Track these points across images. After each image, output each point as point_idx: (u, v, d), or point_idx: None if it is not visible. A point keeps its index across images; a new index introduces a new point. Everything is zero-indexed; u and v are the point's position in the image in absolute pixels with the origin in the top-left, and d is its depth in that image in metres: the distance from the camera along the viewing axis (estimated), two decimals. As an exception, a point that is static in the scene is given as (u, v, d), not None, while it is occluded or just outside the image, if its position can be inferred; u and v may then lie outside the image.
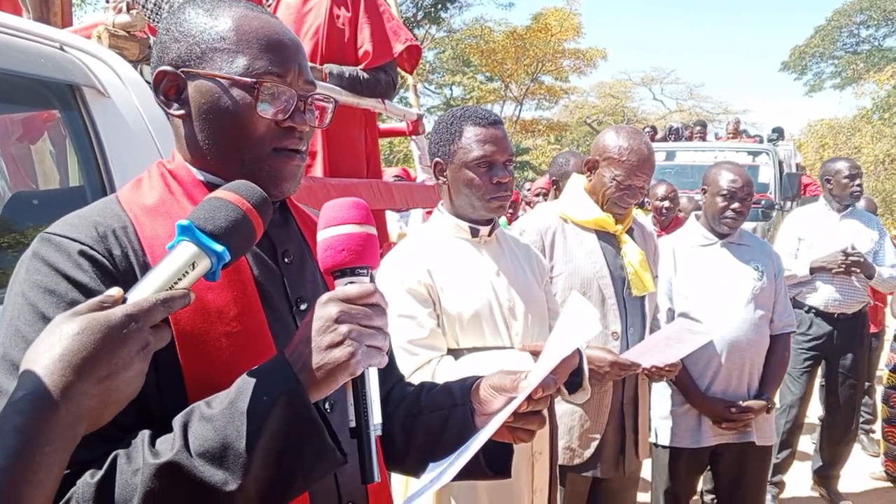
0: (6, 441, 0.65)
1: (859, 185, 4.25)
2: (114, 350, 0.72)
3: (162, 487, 0.80)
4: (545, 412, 1.11)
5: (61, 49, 1.88)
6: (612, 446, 2.46)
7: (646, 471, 3.06)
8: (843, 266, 4.03)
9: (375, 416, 0.89)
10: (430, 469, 1.10)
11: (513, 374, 1.10)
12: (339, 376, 0.85)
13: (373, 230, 0.93)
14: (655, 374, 2.37)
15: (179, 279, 0.80)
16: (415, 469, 1.20)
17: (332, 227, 0.91)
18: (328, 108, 1.09)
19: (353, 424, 0.89)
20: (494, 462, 1.16)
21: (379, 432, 0.90)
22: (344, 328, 0.84)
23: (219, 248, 0.82)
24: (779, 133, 11.24)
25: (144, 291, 0.78)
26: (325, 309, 0.86)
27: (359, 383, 0.89)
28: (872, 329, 4.98)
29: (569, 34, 25.24)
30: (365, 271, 0.91)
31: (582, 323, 1.15)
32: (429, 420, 1.17)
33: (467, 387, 1.16)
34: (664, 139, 10.80)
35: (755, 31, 78.40)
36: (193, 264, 0.81)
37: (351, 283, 0.89)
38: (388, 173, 5.94)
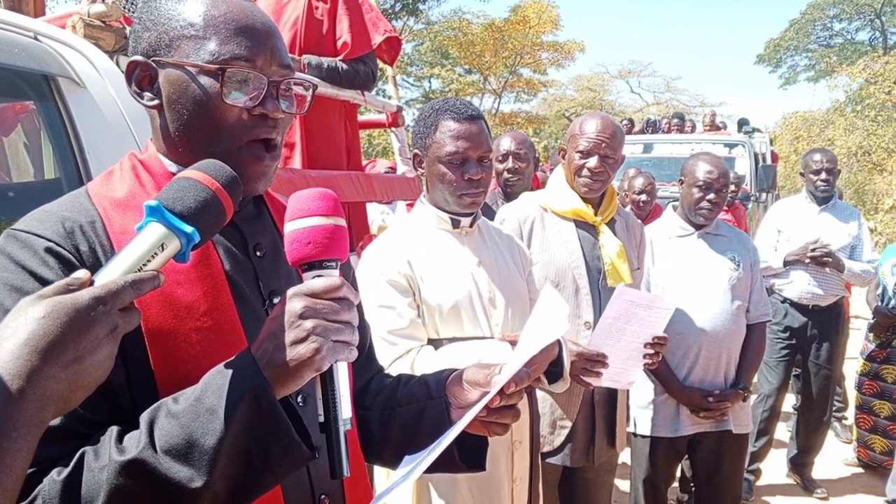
0: None
1: (824, 181, 4.24)
2: (81, 333, 0.70)
3: (128, 484, 0.80)
4: (519, 405, 1.11)
5: (35, 39, 1.85)
6: (583, 436, 2.48)
7: (626, 457, 3.10)
8: (812, 258, 4.08)
9: (345, 411, 0.88)
10: (406, 462, 1.11)
11: (486, 369, 1.10)
12: (304, 373, 0.83)
13: (341, 221, 0.91)
14: (650, 356, 2.32)
15: (149, 261, 0.79)
16: (391, 461, 1.21)
17: (298, 220, 0.90)
18: (307, 94, 1.06)
19: (322, 419, 0.88)
20: (468, 455, 1.17)
21: (349, 426, 0.88)
22: (308, 324, 0.83)
23: (188, 228, 0.81)
24: (744, 124, 11.31)
25: (112, 273, 0.77)
26: (289, 304, 0.84)
27: (327, 378, 0.87)
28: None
29: (547, 26, 25.29)
30: (333, 264, 0.89)
31: (551, 320, 1.16)
32: (405, 412, 1.18)
33: (443, 380, 1.17)
34: (641, 131, 10.86)
35: (731, 23, 79.13)
36: (163, 245, 0.80)
37: (318, 276, 0.88)
38: (381, 165, 5.91)
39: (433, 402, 1.15)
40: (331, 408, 0.87)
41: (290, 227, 0.90)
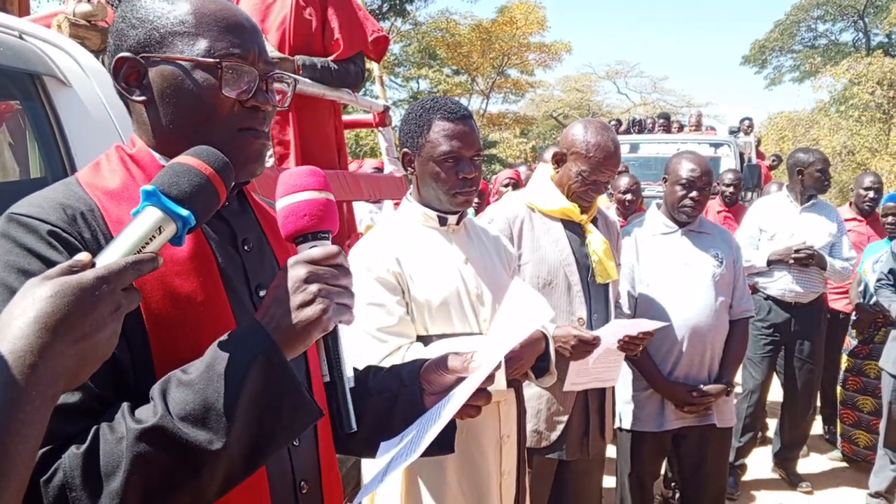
0: None
1: (829, 179, 4.35)
2: (87, 311, 0.73)
3: (148, 452, 0.83)
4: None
5: (20, 38, 1.85)
6: (577, 428, 2.53)
7: (611, 453, 3.12)
8: (796, 259, 4.14)
9: (347, 370, 0.94)
10: (383, 449, 1.15)
11: (462, 356, 1.15)
12: (312, 332, 0.89)
13: (331, 196, 0.97)
14: (629, 343, 2.44)
15: (147, 243, 0.81)
16: (361, 450, 1.27)
17: (292, 195, 0.95)
18: (287, 89, 1.12)
19: (327, 379, 0.94)
20: (438, 438, 1.20)
21: (352, 384, 0.95)
22: (314, 287, 0.89)
23: (184, 212, 0.83)
24: (749, 122, 11.37)
25: (113, 256, 0.79)
26: (294, 270, 0.90)
27: (330, 339, 0.94)
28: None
29: (534, 27, 25.38)
30: (326, 235, 0.95)
31: (532, 309, 1.19)
32: (376, 401, 1.22)
33: (416, 368, 1.21)
34: (627, 131, 10.93)
35: (717, 25, 79.61)
36: (160, 229, 0.82)
37: (314, 247, 0.93)
38: (368, 164, 5.92)
39: (406, 390, 1.19)
40: (336, 366, 0.94)
41: (284, 202, 0.95)
